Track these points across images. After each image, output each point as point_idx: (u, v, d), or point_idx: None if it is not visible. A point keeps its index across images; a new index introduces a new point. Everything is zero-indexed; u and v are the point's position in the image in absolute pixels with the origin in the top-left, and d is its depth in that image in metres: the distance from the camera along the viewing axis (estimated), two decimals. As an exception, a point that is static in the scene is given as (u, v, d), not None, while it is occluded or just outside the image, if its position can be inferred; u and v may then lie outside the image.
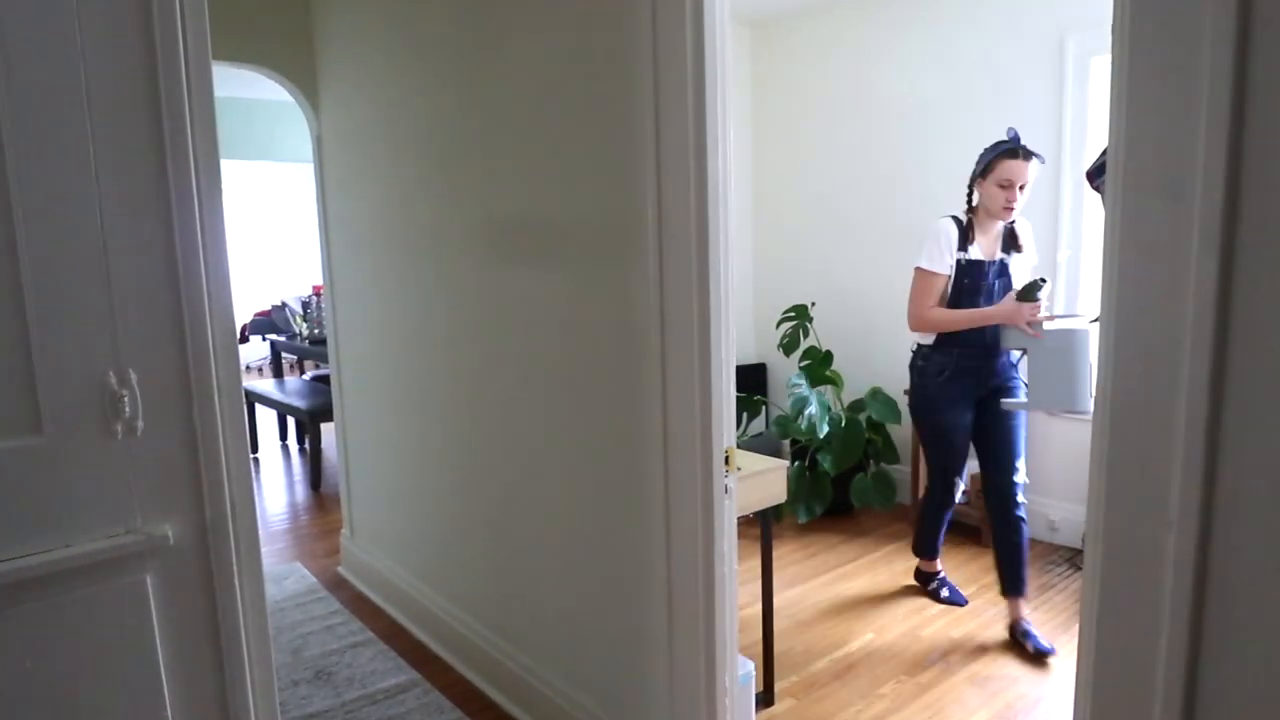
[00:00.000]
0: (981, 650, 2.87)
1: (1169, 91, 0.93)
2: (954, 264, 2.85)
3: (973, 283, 2.87)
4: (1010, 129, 2.80)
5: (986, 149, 2.81)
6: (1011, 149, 2.72)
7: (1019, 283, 2.86)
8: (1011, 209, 2.77)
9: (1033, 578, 3.43)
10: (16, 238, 1.12)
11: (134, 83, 1.18)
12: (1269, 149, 0.87)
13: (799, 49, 4.58)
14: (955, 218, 2.88)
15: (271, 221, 9.22)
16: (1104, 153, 1.09)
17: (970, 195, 2.89)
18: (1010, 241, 2.94)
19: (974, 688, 2.64)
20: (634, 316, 1.90)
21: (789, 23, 4.60)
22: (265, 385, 5.87)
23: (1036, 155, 2.74)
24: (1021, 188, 2.74)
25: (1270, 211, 0.88)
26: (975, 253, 2.86)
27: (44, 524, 1.18)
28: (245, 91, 6.77)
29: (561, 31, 2.02)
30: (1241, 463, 0.92)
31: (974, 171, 2.85)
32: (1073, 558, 3.62)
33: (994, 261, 2.90)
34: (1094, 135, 3.51)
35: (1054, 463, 3.79)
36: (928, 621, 3.09)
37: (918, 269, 2.89)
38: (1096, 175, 2.12)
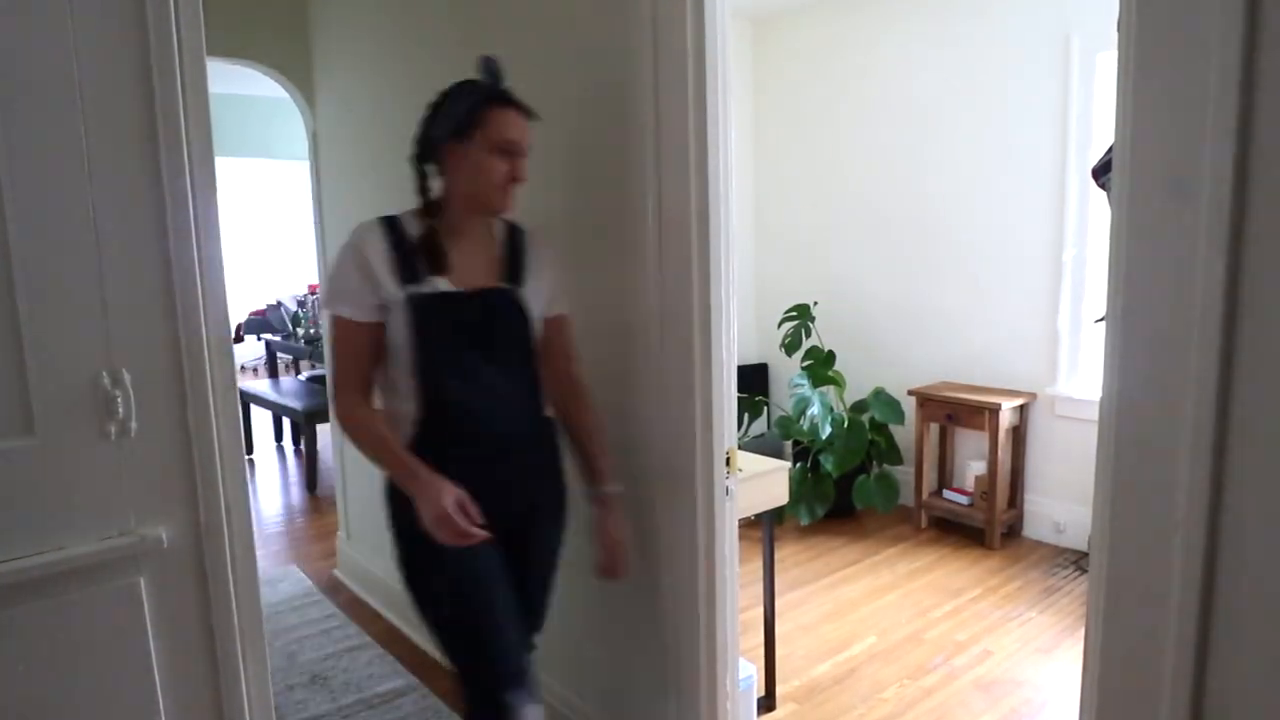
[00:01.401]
0: (986, 654, 2.85)
1: (1175, 87, 0.92)
2: (393, 303, 1.55)
3: (441, 335, 1.55)
4: (485, 58, 1.60)
5: (454, 93, 1.59)
6: (504, 94, 1.58)
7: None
8: (511, 188, 1.59)
9: (1038, 580, 3.42)
10: (9, 236, 1.11)
11: (128, 79, 1.17)
12: (1276, 145, 0.86)
13: (801, 45, 4.57)
14: (390, 220, 1.62)
15: (267, 219, 9.20)
16: (1109, 150, 1.08)
17: (424, 180, 1.63)
18: (515, 256, 1.67)
19: (978, 691, 2.62)
20: (634, 316, 1.89)
21: (790, 19, 4.59)
22: (260, 386, 5.85)
23: (526, 108, 1.61)
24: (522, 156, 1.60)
25: (1278, 209, 0.86)
26: (442, 283, 1.56)
27: (37, 526, 1.16)
28: (240, 88, 6.76)
29: (560, 28, 2.01)
30: (1248, 464, 0.90)
31: (432, 134, 1.60)
32: (1078, 560, 3.60)
33: (483, 293, 1.60)
34: (1099, 132, 3.49)
35: (1059, 464, 3.78)
36: (931, 624, 3.08)
37: (332, 316, 1.60)
38: (1102, 173, 2.09)
